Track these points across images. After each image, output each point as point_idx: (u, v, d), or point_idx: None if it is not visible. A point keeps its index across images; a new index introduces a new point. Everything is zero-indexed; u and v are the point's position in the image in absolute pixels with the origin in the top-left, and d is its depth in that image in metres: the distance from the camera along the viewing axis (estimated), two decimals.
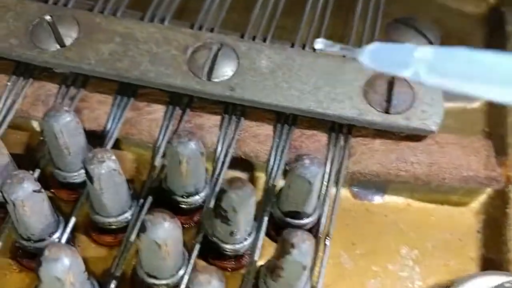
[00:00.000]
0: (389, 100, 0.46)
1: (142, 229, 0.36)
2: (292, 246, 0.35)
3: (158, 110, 0.47)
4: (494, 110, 0.51)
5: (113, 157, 0.39)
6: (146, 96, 0.48)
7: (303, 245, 0.35)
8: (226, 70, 0.46)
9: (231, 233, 0.40)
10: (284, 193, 0.41)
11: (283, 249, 0.36)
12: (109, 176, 0.39)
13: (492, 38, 0.57)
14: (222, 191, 0.38)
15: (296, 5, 0.53)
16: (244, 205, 0.38)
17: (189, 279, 0.37)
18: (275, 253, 0.37)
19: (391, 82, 0.46)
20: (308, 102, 0.45)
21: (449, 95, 0.51)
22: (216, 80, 0.46)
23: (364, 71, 0.47)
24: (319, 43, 0.34)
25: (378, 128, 0.46)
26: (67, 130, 0.41)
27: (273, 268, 0.37)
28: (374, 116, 0.45)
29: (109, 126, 0.47)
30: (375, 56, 0.31)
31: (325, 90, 0.46)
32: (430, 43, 0.56)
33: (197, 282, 0.34)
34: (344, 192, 0.46)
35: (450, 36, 0.57)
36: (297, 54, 0.47)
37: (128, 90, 0.48)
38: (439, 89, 0.47)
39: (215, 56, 0.47)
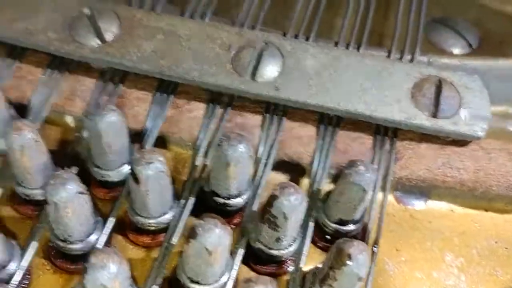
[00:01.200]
0: (436, 104, 0.45)
1: (192, 235, 0.35)
2: (349, 257, 0.34)
3: (198, 109, 0.46)
4: None
5: (161, 158, 0.38)
6: (186, 94, 0.47)
7: (360, 256, 0.35)
8: (270, 70, 0.45)
9: (278, 239, 0.39)
10: (334, 199, 0.40)
11: (339, 260, 0.35)
12: (156, 178, 0.38)
13: None
14: (274, 197, 0.37)
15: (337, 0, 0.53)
16: (295, 212, 0.37)
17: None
18: (327, 261, 0.36)
19: (439, 86, 0.45)
20: (355, 104, 0.44)
21: (498, 99, 0.51)
22: (260, 79, 0.45)
23: (412, 74, 0.46)
24: None
25: (425, 132, 0.45)
26: (113, 129, 0.40)
27: (324, 277, 0.37)
28: (422, 120, 0.44)
29: (148, 124, 0.46)
30: None
31: (372, 92, 0.45)
32: (469, 44, 0.55)
33: None
34: (388, 197, 0.45)
35: (489, 37, 0.56)
36: (343, 54, 0.46)
37: (168, 88, 0.47)
38: (486, 94, 0.46)
39: (260, 55, 0.45)
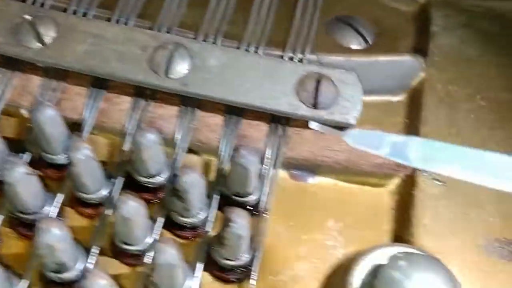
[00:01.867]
0: (316, 97, 0.55)
1: (115, 207, 0.45)
2: (230, 220, 0.45)
3: (125, 101, 0.56)
4: (413, 104, 0.60)
5: (87, 146, 0.48)
6: (116, 89, 0.56)
7: (238, 220, 0.45)
8: (180, 68, 0.55)
9: (185, 209, 0.49)
10: (229, 176, 0.50)
11: (224, 223, 0.45)
12: (86, 161, 0.48)
13: (420, 36, 0.64)
14: (176, 176, 0.47)
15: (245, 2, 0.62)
16: (194, 187, 0.47)
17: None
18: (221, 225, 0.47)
19: (319, 81, 0.55)
20: (250, 98, 0.54)
21: (376, 90, 0.61)
22: (172, 76, 0.54)
23: (297, 71, 0.56)
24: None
25: (308, 120, 0.55)
26: (50, 122, 0.49)
27: (219, 238, 0.47)
28: (304, 110, 0.54)
29: (85, 115, 0.55)
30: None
31: (265, 88, 0.54)
32: (365, 40, 0.64)
33: (157, 248, 0.43)
34: (283, 174, 0.55)
35: (384, 33, 0.64)
36: (242, 55, 0.56)
37: (101, 84, 0.56)
38: (359, 88, 0.56)
39: (171, 55, 0.55)
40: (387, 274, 0.44)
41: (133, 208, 0.45)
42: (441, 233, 0.52)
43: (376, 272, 0.45)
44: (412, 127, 0.59)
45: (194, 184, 0.47)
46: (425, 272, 0.44)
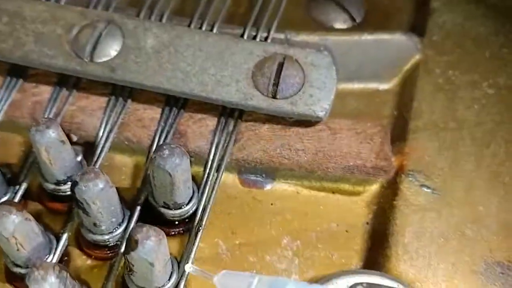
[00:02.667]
0: (277, 84, 0.44)
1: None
2: (136, 243, 0.34)
3: (45, 92, 0.46)
4: (404, 92, 0.49)
5: None
6: (37, 77, 0.47)
7: (147, 242, 0.34)
8: (109, 50, 0.45)
9: (94, 224, 0.39)
10: (152, 183, 0.40)
11: (128, 245, 0.35)
12: None
13: (417, 14, 0.53)
14: (74, 183, 0.37)
15: None
16: (99, 198, 0.37)
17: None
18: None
19: (281, 64, 0.44)
20: (191, 85, 0.44)
21: (362, 76, 0.50)
22: (98, 60, 0.44)
23: (255, 52, 0.45)
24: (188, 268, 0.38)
25: (264, 113, 0.44)
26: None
27: (127, 263, 0.37)
28: (259, 101, 0.43)
29: None
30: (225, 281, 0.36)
31: (210, 72, 0.44)
32: (352, 18, 0.53)
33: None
34: (232, 179, 0.45)
35: (375, 10, 0.54)
36: (186, 32, 0.45)
37: (18, 72, 0.47)
38: (333, 72, 0.45)
39: (100, 35, 0.45)
40: None
41: (17, 224, 0.35)
42: (425, 255, 0.40)
43: None
44: (400, 121, 0.47)
45: (98, 193, 0.36)
46: None
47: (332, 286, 0.37)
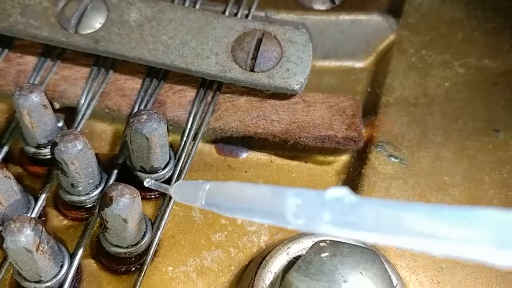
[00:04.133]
0: (255, 58, 0.45)
1: None
2: (111, 199, 0.36)
3: (29, 62, 0.48)
4: (378, 70, 0.51)
5: None
6: (22, 48, 0.48)
7: (122, 199, 0.36)
8: (93, 23, 0.46)
9: (72, 185, 0.40)
10: (130, 147, 0.41)
11: (103, 202, 0.36)
12: None
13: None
14: (54, 144, 0.38)
15: None
16: (77, 159, 0.38)
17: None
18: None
19: (260, 39, 0.46)
20: (172, 57, 0.45)
21: (339, 54, 0.52)
22: (82, 32, 0.46)
23: (236, 28, 0.47)
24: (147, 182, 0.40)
25: (242, 85, 0.46)
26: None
27: (101, 220, 0.38)
28: (238, 73, 0.45)
29: None
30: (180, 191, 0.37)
31: (191, 46, 0.46)
32: (331, 0, 0.55)
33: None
34: (209, 148, 0.46)
35: None
36: (168, 7, 0.47)
37: (4, 42, 0.48)
38: (310, 49, 0.47)
39: (85, 9, 0.46)
40: (296, 273, 0.34)
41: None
42: None
43: (290, 265, 0.36)
44: (373, 97, 0.49)
45: (76, 154, 0.38)
46: (353, 269, 0.34)
47: (298, 244, 0.38)
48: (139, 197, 0.37)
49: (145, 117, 0.39)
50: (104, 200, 0.36)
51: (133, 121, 0.39)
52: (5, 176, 0.38)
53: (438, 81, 0.49)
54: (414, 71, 0.49)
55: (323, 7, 0.54)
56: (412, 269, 0.40)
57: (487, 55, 0.50)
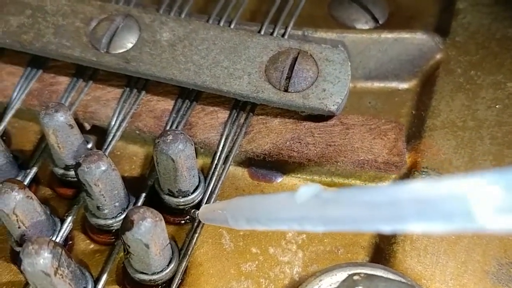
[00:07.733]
0: (289, 77, 0.43)
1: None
2: (132, 223, 0.34)
3: (62, 82, 0.47)
4: (423, 91, 0.48)
5: None
6: (56, 69, 0.48)
7: (143, 223, 0.34)
8: (125, 43, 0.45)
9: (98, 208, 0.39)
10: (156, 170, 0.40)
11: (124, 225, 0.34)
12: None
13: (442, 15, 0.52)
14: (77, 165, 0.37)
15: None
16: (100, 179, 0.37)
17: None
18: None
19: (295, 58, 0.44)
20: (203, 77, 0.44)
21: (381, 75, 0.49)
22: (114, 52, 0.45)
23: (270, 47, 0.45)
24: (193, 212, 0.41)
25: (275, 106, 0.43)
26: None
27: (123, 245, 0.36)
28: (271, 93, 0.43)
29: (14, 96, 0.46)
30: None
31: (223, 65, 0.44)
32: (375, 19, 0.53)
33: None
34: (241, 172, 0.44)
35: (399, 13, 0.53)
36: (202, 27, 0.46)
37: (38, 62, 0.48)
38: (348, 68, 0.44)
39: (117, 28, 0.46)
40: None
41: (18, 201, 0.36)
42: (434, 252, 0.39)
43: None
44: (417, 119, 0.46)
45: (100, 175, 0.37)
46: None
47: (331, 277, 0.35)
48: (163, 221, 0.35)
49: (170, 137, 0.37)
50: (126, 223, 0.34)
51: (158, 141, 0.38)
52: (27, 196, 0.37)
53: (488, 103, 0.45)
54: (462, 93, 0.46)
55: (365, 27, 0.52)
56: None
57: None
